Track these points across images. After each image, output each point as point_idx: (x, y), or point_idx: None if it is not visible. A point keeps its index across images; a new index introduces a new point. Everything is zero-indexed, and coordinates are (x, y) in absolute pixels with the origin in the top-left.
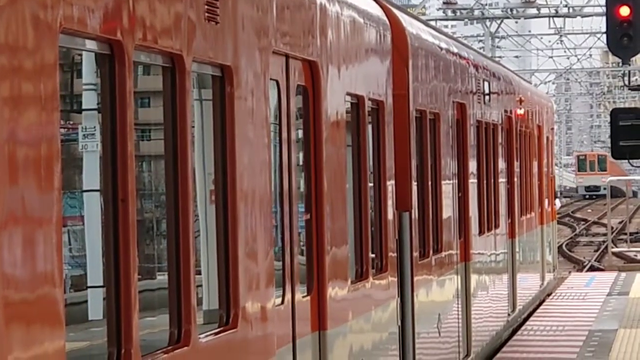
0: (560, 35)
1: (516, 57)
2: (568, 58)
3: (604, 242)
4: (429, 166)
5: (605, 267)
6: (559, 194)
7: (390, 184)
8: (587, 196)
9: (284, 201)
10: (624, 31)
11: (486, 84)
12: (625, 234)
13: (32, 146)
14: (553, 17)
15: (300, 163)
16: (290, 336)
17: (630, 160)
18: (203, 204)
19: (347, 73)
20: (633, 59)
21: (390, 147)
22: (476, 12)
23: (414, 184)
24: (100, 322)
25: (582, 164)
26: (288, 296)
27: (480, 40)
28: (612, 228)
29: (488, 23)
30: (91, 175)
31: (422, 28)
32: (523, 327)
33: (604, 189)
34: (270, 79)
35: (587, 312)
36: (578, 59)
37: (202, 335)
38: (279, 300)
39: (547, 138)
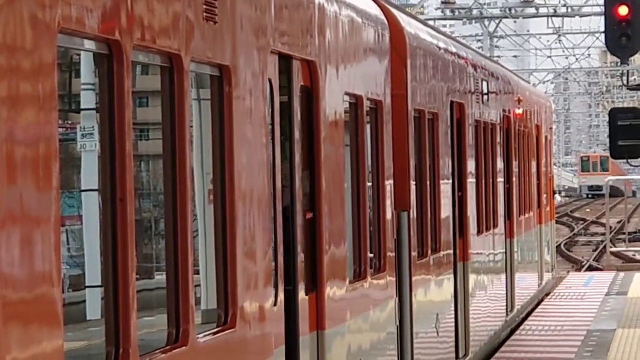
0: (559, 35)
1: (515, 57)
2: (567, 58)
3: (602, 241)
4: (428, 166)
5: (603, 267)
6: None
7: (389, 184)
8: (591, 195)
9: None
10: (623, 31)
11: (485, 83)
12: (624, 233)
13: (31, 146)
14: (552, 16)
15: (300, 163)
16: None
17: (629, 160)
18: (201, 204)
19: (345, 73)
20: (632, 58)
21: (388, 147)
22: (475, 12)
23: (413, 184)
24: (99, 322)
25: (585, 165)
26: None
27: (479, 40)
28: (610, 228)
29: (487, 23)
30: (90, 175)
31: (421, 28)
32: (521, 327)
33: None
34: (269, 79)
35: (586, 312)
36: (577, 59)
37: (200, 335)
38: (277, 300)
39: (546, 138)
